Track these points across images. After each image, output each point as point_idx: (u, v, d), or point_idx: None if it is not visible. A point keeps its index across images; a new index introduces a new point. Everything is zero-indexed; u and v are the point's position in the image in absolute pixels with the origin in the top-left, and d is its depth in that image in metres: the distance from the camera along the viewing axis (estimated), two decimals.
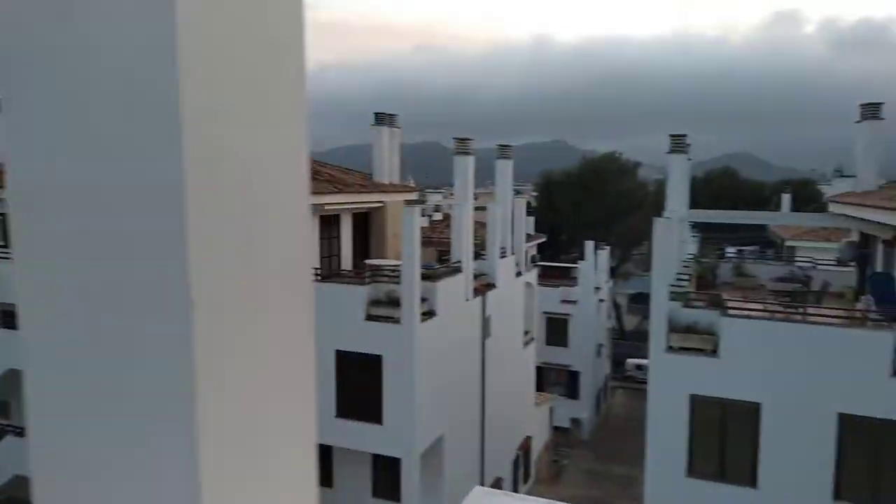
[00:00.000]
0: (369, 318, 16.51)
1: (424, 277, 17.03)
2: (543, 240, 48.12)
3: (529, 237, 44.90)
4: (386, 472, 17.48)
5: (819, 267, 22.23)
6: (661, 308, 13.97)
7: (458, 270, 18.85)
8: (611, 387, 42.14)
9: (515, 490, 24.73)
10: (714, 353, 13.45)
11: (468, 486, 15.29)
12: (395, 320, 16.23)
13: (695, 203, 58.10)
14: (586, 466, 30.60)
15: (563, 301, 36.52)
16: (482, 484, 20.94)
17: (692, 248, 42.26)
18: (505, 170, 23.80)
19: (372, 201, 22.78)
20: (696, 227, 44.92)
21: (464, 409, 19.62)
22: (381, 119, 23.64)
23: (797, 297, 16.87)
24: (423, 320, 16.47)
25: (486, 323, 20.93)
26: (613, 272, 51.38)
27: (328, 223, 21.41)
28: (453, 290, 18.41)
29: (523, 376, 25.92)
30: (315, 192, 19.53)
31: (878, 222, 15.39)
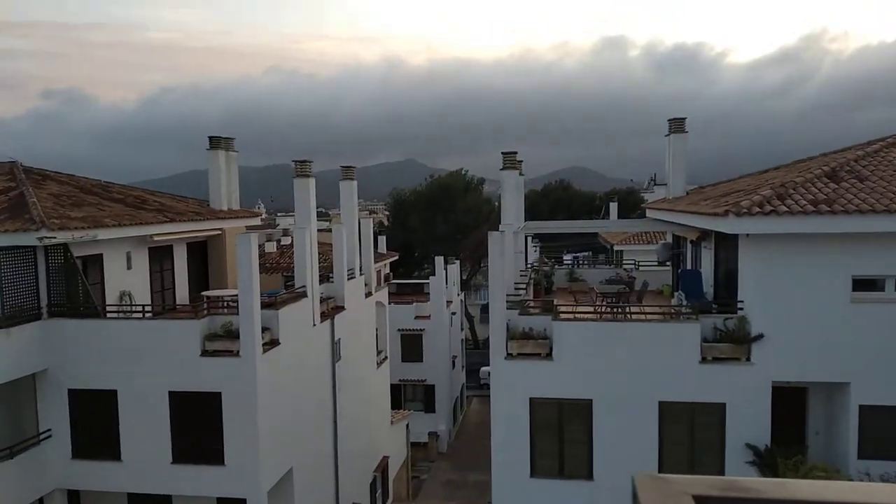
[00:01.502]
0: (205, 353, 15.58)
1: (265, 306, 16.41)
2: (396, 258, 48.54)
3: (381, 256, 45.12)
4: None
5: (641, 268, 24.26)
6: (499, 317, 14.49)
7: (302, 295, 18.37)
8: (467, 396, 43.07)
9: None
10: (549, 356, 14.16)
11: None
12: (235, 353, 15.46)
13: (535, 214, 61.40)
14: (445, 478, 30.98)
15: (417, 317, 36.92)
16: None
17: (533, 256, 44.48)
18: (349, 191, 23.66)
19: (208, 229, 21.69)
20: (537, 237, 47.34)
21: (315, 438, 19.07)
22: (217, 143, 22.62)
23: (621, 297, 18.25)
24: (265, 350, 15.81)
25: (335, 347, 20.56)
26: (465, 285, 52.84)
27: (159, 255, 20.05)
28: (298, 317, 17.90)
29: (378, 396, 25.76)
30: (142, 223, 18.24)
31: (685, 224, 17.09)
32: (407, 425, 29.78)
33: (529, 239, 46.28)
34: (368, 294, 24.57)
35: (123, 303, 17.89)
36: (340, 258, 21.36)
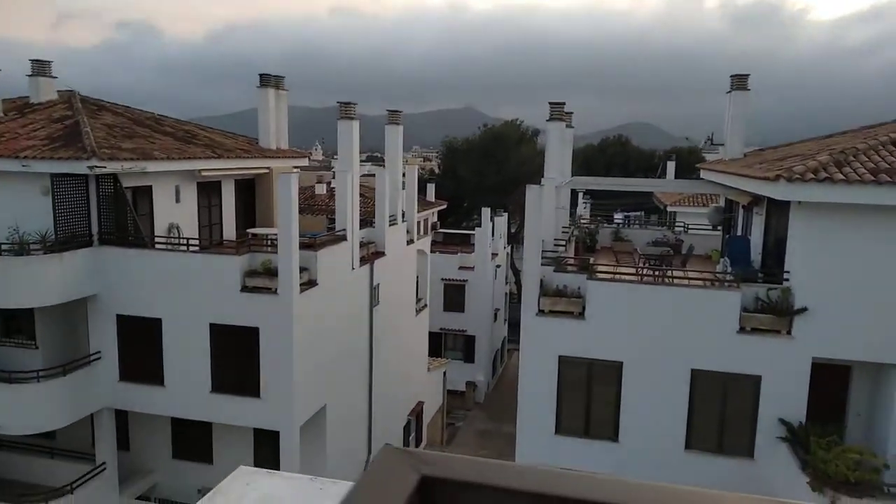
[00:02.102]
0: (245, 289, 15.98)
1: (304, 246, 16.64)
2: (444, 206, 48.43)
3: (430, 204, 45.12)
4: (267, 445, 17.20)
5: (690, 231, 23.48)
6: (534, 273, 14.30)
7: (342, 238, 18.54)
8: (508, 349, 43.30)
9: None
10: (581, 315, 13.95)
11: (355, 456, 15.54)
12: (273, 291, 15.81)
13: (590, 169, 59.95)
14: (480, 427, 31.46)
15: (461, 267, 36.97)
16: (370, 451, 21.09)
17: (585, 212, 43.75)
18: (394, 135, 23.49)
19: (256, 167, 21.97)
20: (589, 193, 46.37)
21: (350, 379, 19.54)
22: (266, 81, 22.69)
23: (664, 260, 17.74)
24: (303, 290, 16.12)
25: (374, 292, 20.81)
26: (513, 238, 52.48)
27: (208, 190, 20.47)
28: (337, 259, 18.12)
29: (416, 343, 26.11)
30: (190, 157, 18.60)
31: (737, 188, 16.33)
32: (444, 373, 30.20)
33: (581, 195, 45.48)
34: (410, 241, 24.65)
35: (171, 235, 18.42)
36: (382, 204, 21.39)
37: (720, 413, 13.35)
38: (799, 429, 12.58)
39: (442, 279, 36.52)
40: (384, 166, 24.34)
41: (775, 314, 12.84)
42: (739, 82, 19.95)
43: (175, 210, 18.83)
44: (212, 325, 16.21)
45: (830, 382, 13.56)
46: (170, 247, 17.29)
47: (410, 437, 25.35)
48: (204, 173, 19.33)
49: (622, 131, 75.09)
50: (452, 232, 48.03)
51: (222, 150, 20.43)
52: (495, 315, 39.16)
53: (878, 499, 10.97)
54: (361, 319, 20.24)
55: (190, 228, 19.43)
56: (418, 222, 41.17)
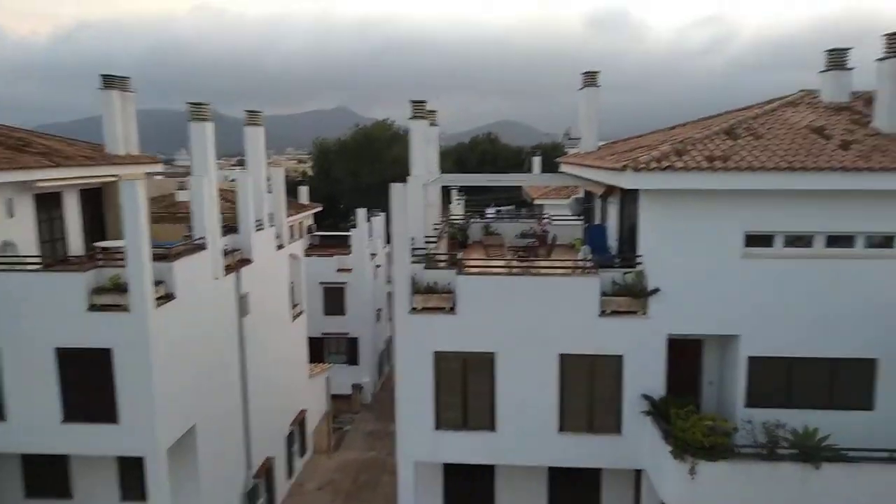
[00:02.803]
0: (93, 307, 14.68)
1: (158, 258, 15.54)
2: (320, 209, 47.46)
3: (303, 207, 44.00)
4: (132, 473, 15.98)
5: (556, 222, 24.39)
6: (403, 271, 14.19)
7: (201, 247, 17.51)
8: (392, 349, 43.08)
9: (291, 463, 24.29)
10: (453, 310, 14.01)
11: (233, 473, 14.87)
12: (125, 308, 14.63)
13: (463, 167, 61.07)
14: (368, 428, 31.09)
15: (339, 270, 36.34)
16: (249, 467, 20.16)
17: (460, 208, 44.26)
18: (254, 137, 22.58)
19: (101, 175, 20.27)
20: (463, 190, 47.04)
21: (222, 395, 18.53)
22: (110, 82, 21.00)
23: (530, 251, 18.27)
24: (158, 305, 15.04)
25: (242, 301, 19.87)
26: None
27: (47, 203, 18.62)
28: (197, 270, 17.08)
29: (294, 351, 25.29)
30: (21, 167, 16.82)
31: (592, 179, 17.11)
32: (327, 378, 29.51)
33: (454, 192, 46.06)
34: (280, 246, 23.81)
35: (5, 254, 16.59)
36: (246, 209, 20.47)
37: (588, 394, 13.91)
38: (660, 402, 13.35)
39: (320, 283, 35.74)
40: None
41: (631, 296, 13.55)
42: (590, 79, 20.98)
43: (8, 225, 16.98)
44: (58, 350, 14.76)
45: (685, 356, 14.53)
46: (3, 267, 15.54)
47: (294, 448, 24.52)
48: (40, 184, 17.57)
49: (493, 129, 77.14)
50: (330, 234, 47.14)
51: (60, 157, 18.65)
52: (378, 315, 38.86)
53: (731, 460, 11.87)
54: (230, 331, 19.25)
55: (28, 245, 17.61)
56: (292, 226, 40.05)
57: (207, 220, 17.77)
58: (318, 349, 35.73)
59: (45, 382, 14.79)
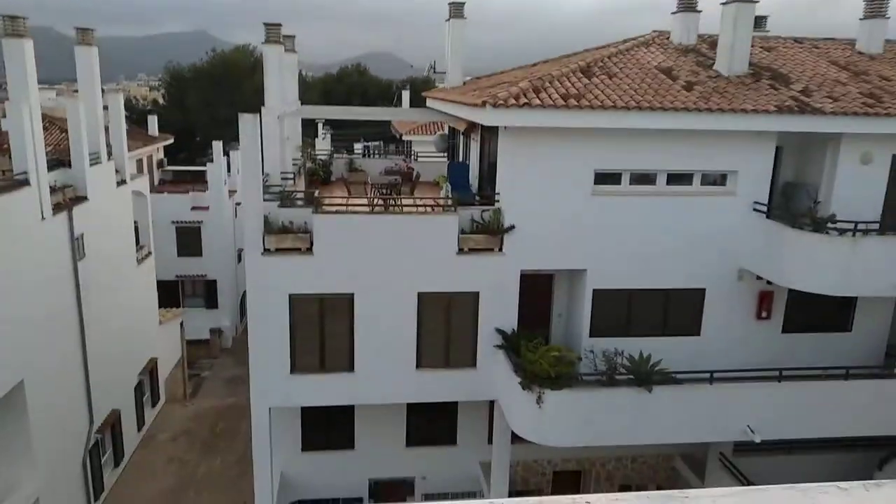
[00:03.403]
0: None
1: None
2: (170, 141, 43.95)
3: (152, 139, 40.53)
4: None
5: (422, 159, 24.16)
6: (254, 209, 13.34)
7: (23, 183, 15.54)
8: None
9: (142, 414, 23.02)
10: (310, 250, 13.46)
11: (73, 429, 13.96)
12: None
13: (329, 100, 58.67)
14: (228, 374, 30.13)
15: (194, 208, 34.13)
16: (92, 421, 18.81)
17: (326, 143, 42.80)
18: (87, 58, 20.11)
19: None
20: (329, 124, 45.38)
21: (54, 346, 16.94)
22: None
23: (393, 189, 17.92)
24: None
25: (76, 243, 18.05)
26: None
27: None
28: (18, 209, 15.19)
29: (141, 296, 23.61)
30: None
31: (456, 115, 16.89)
32: (181, 323, 27.97)
33: (320, 125, 44.32)
34: (122, 182, 21.78)
35: None
36: (78, 139, 18.39)
37: (446, 330, 14.06)
38: (512, 335, 13.77)
39: (173, 222, 33.46)
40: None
41: (488, 234, 13.66)
42: (456, 10, 20.47)
43: None
44: None
45: (537, 291, 15.02)
46: None
47: (144, 398, 23.22)
48: None
49: (363, 61, 74.61)
50: (183, 169, 43.95)
51: None
52: (239, 256, 37.18)
53: (574, 388, 12.54)
54: (63, 277, 17.50)
55: None
56: (140, 160, 36.88)
57: (29, 152, 15.75)
58: (174, 293, 33.80)
59: None
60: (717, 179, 14.09)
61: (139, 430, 22.83)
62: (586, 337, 14.23)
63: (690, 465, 16.82)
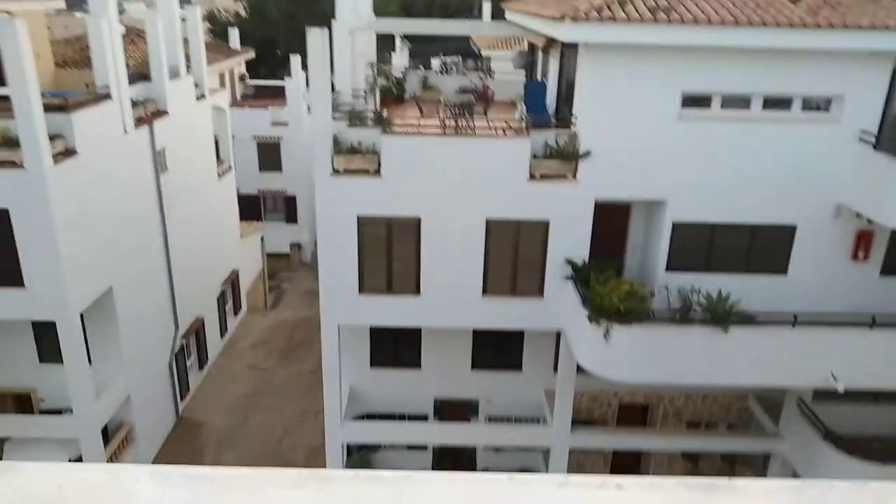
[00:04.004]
0: None
1: (53, 108, 14.06)
2: (252, 55, 44.12)
3: (234, 52, 40.78)
4: (48, 337, 15.47)
5: (498, 76, 23.15)
6: (323, 129, 13.21)
7: (105, 97, 15.93)
8: None
9: (224, 322, 24.26)
10: (378, 172, 13.27)
11: (160, 334, 14.89)
12: (19, 165, 13.37)
13: (409, 13, 56.89)
14: (305, 288, 31.14)
15: (274, 123, 34.51)
16: (177, 327, 19.95)
17: (403, 59, 41.85)
18: None
19: None
20: (407, 39, 44.21)
21: (141, 255, 17.81)
22: None
23: (467, 109, 17.29)
24: (58, 161, 13.83)
25: (158, 157, 18.59)
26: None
27: None
28: (101, 122, 15.66)
29: (222, 209, 24.38)
30: None
31: (535, 30, 15.87)
32: (262, 237, 28.91)
33: (398, 40, 43.30)
34: (202, 97, 22.08)
35: None
36: (157, 53, 18.58)
37: (513, 259, 13.74)
38: (582, 267, 13.31)
39: (254, 137, 34.02)
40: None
41: (562, 159, 13.01)
42: None
43: None
44: None
45: (613, 221, 14.36)
46: None
47: (227, 307, 24.41)
48: None
49: None
50: (264, 84, 44.18)
51: None
52: None
53: (644, 324, 12.08)
54: (147, 189, 18.17)
55: None
56: (221, 74, 37.32)
57: (111, 66, 16.04)
58: (255, 207, 34.79)
59: None
60: (820, 105, 12.71)
61: (222, 337, 24.15)
62: (662, 272, 13.57)
63: (765, 406, 16.22)
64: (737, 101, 12.68)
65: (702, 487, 1.86)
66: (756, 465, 17.00)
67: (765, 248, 13.51)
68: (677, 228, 13.32)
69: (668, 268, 13.60)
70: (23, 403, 17.27)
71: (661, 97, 12.49)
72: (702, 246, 13.44)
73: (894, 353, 12.22)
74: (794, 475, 14.96)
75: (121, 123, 16.52)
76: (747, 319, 12.06)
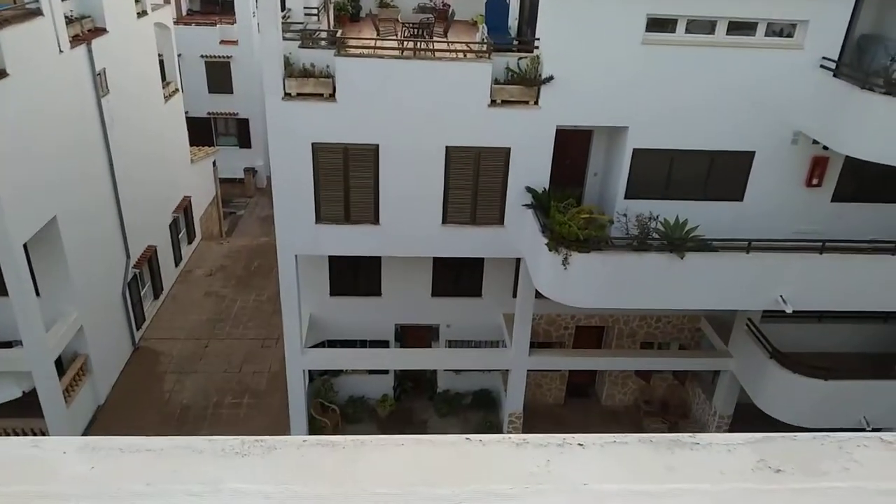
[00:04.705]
0: None
1: None
2: None
3: None
4: None
5: None
6: (274, 50, 12.50)
7: (36, 13, 14.74)
8: None
9: (178, 250, 23.74)
10: (332, 97, 12.74)
11: (110, 264, 14.48)
12: None
13: None
14: (262, 214, 30.57)
15: (223, 41, 32.75)
16: (129, 256, 19.41)
17: None
18: None
19: None
20: None
21: (86, 183, 17.03)
22: None
23: (424, 29, 16.60)
24: None
25: (98, 78, 17.49)
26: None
27: None
28: (34, 41, 14.54)
29: (171, 134, 23.34)
30: None
31: None
32: (214, 162, 27.97)
33: None
34: (143, 13, 20.68)
35: None
36: None
37: (473, 187, 13.56)
38: (542, 195, 13.23)
39: (201, 56, 32.30)
40: None
41: (524, 84, 12.67)
42: None
43: None
44: None
45: (573, 148, 14.23)
46: None
47: (180, 235, 23.80)
48: None
49: None
50: None
51: None
52: None
53: (603, 251, 12.19)
54: (87, 114, 17.17)
55: None
56: None
57: None
58: (206, 131, 33.47)
59: None
60: (784, 30, 12.55)
61: (177, 265, 23.65)
62: (621, 199, 13.59)
63: (716, 328, 16.81)
64: (702, 26, 12.42)
65: (665, 444, 1.79)
66: (706, 381, 17.79)
67: (722, 174, 13.61)
68: (637, 155, 13.26)
69: (627, 195, 13.62)
70: None
71: (625, 20, 12.13)
72: (661, 173, 13.46)
73: (841, 275, 12.66)
74: (742, 392, 15.72)
75: (55, 42, 15.38)
76: (703, 246, 12.27)
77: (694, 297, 12.86)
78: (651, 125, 12.91)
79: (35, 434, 16.26)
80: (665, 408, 18.38)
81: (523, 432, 16.91)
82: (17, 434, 16.38)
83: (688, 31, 12.41)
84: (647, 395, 18.54)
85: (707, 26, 12.43)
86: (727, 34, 12.40)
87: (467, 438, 1.79)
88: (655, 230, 12.53)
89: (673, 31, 12.37)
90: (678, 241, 12.19)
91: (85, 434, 17.22)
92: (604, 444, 1.81)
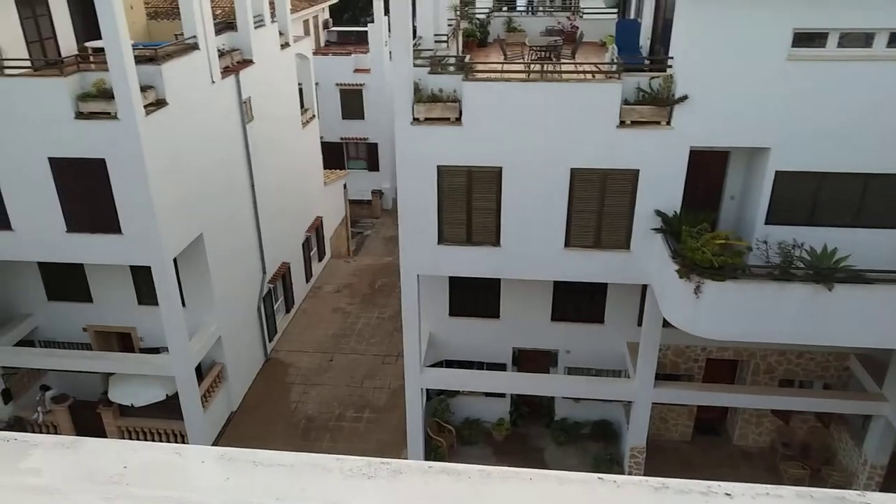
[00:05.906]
0: (80, 115, 13.96)
1: (143, 60, 14.44)
2: (335, 1, 43.95)
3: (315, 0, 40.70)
4: (145, 280, 16.31)
5: (587, 16, 21.96)
6: (404, 76, 12.91)
7: (193, 48, 16.21)
8: None
9: (309, 268, 24.96)
10: (458, 120, 12.94)
11: (248, 279, 15.50)
12: (113, 116, 13.88)
13: None
14: (387, 234, 31.53)
15: (356, 70, 34.45)
16: (265, 272, 20.65)
17: (488, 0, 40.48)
18: None
19: None
20: None
21: (229, 203, 18.38)
22: None
23: (552, 52, 16.52)
24: (149, 112, 14.26)
25: (244, 106, 18.91)
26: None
27: None
28: (190, 73, 15.98)
29: (307, 157, 24.75)
30: None
31: None
32: (344, 185, 29.30)
33: None
34: (286, 45, 22.18)
35: None
36: (243, 3, 18.67)
37: (598, 209, 13.20)
38: (672, 219, 12.62)
39: (337, 84, 34.14)
40: None
41: (656, 105, 12.21)
42: None
43: None
44: (51, 160, 14.37)
45: (708, 169, 13.50)
46: None
47: (312, 253, 25.06)
48: None
49: None
50: (348, 30, 44.14)
51: None
52: None
53: (740, 279, 11.38)
54: (234, 138, 18.58)
55: (15, 47, 16.50)
56: (305, 22, 37.43)
57: (198, 16, 16.25)
58: (338, 155, 35.19)
59: (44, 193, 14.61)
60: None
61: (307, 282, 24.90)
62: (761, 224, 12.68)
63: (868, 367, 15.19)
64: (856, 38, 11.41)
65: (829, 500, 1.57)
66: (854, 426, 16.08)
67: (878, 199, 12.34)
68: (780, 178, 12.33)
69: (768, 221, 12.69)
70: (125, 341, 18.51)
71: (768, 35, 11.39)
72: (806, 197, 12.43)
73: None
74: None
75: (208, 73, 16.82)
76: (856, 276, 11.14)
77: (843, 332, 11.67)
78: (796, 146, 11.98)
79: (175, 435, 17.59)
80: (806, 452, 16.76)
81: (646, 468, 16.05)
82: (160, 434, 17.80)
83: (840, 44, 11.45)
84: (785, 436, 17.02)
85: (862, 39, 11.42)
86: (888, 47, 11.30)
87: (600, 478, 1.65)
88: (800, 258, 11.55)
89: (823, 45, 11.45)
90: (826, 272, 11.16)
91: (218, 437, 18.40)
92: (755, 496, 1.62)
